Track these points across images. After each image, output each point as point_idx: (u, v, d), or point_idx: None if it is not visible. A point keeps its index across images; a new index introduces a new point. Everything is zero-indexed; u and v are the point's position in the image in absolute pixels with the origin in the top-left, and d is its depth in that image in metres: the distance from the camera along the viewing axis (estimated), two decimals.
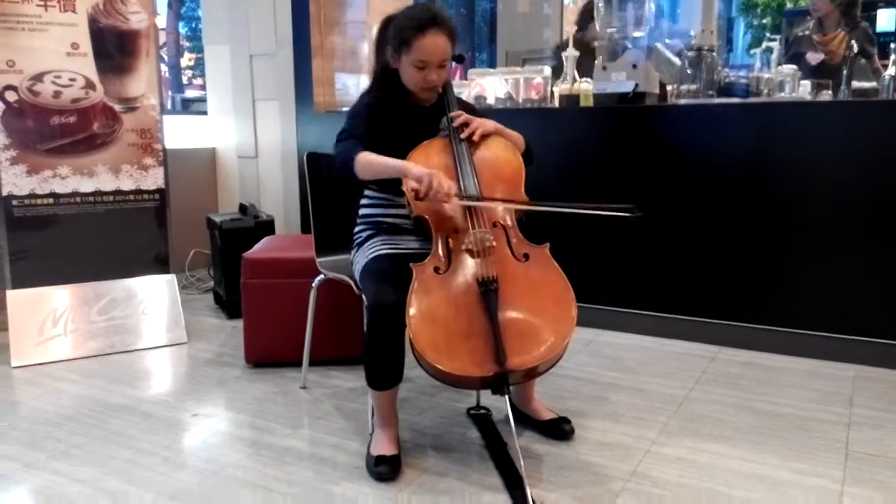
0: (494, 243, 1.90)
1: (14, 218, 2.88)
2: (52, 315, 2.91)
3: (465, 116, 2.05)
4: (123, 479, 1.91)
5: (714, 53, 3.16)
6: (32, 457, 2.05)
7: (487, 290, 1.80)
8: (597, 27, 3.79)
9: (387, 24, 2.07)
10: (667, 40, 3.76)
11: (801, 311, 2.82)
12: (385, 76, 2.08)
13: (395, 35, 1.99)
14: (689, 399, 2.43)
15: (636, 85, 3.03)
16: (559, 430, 2.12)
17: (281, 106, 4.08)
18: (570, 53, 3.35)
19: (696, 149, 2.96)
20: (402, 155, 1.98)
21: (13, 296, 2.87)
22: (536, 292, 1.87)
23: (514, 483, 1.83)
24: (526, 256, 1.92)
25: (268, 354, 2.75)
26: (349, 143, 1.99)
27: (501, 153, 2.06)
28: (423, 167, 1.86)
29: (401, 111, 2.09)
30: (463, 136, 2.02)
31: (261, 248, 2.89)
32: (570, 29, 6.82)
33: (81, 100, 2.97)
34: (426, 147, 2.03)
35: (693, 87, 3.14)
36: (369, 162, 1.92)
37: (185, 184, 4.08)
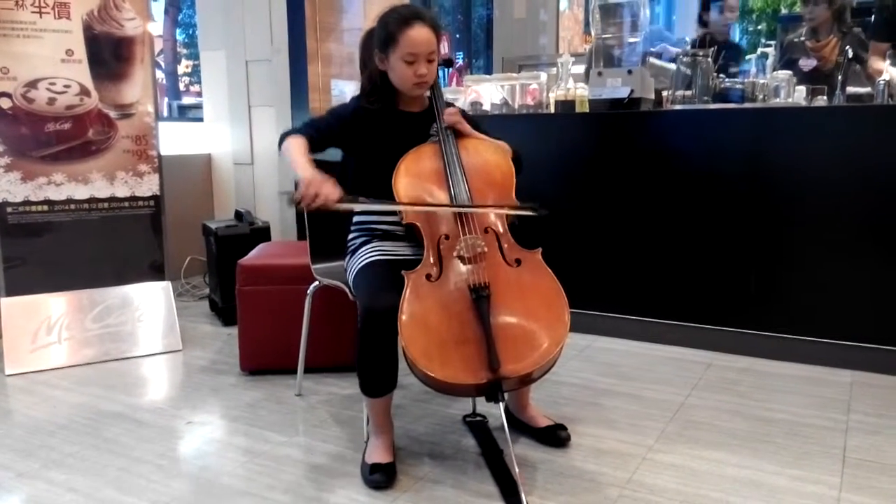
0: (486, 249, 1.90)
1: (8, 225, 2.87)
2: (46, 322, 2.90)
3: (452, 117, 2.07)
4: (117, 487, 1.90)
5: (709, 58, 3.16)
6: (26, 465, 2.03)
7: (479, 297, 1.79)
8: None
9: (370, 35, 2.09)
10: (659, 45, 3.77)
11: (798, 316, 2.81)
12: (374, 84, 2.08)
13: (380, 33, 2.00)
14: (685, 405, 2.43)
15: (631, 91, 3.03)
16: (555, 437, 2.11)
17: (277, 112, 4.08)
18: (566, 58, 3.36)
19: (691, 154, 2.96)
20: (394, 161, 1.99)
21: (7, 303, 2.85)
22: (529, 298, 1.86)
23: (509, 491, 1.82)
24: (518, 262, 1.92)
25: (263, 362, 2.74)
26: (302, 126, 2.04)
27: (492, 158, 2.06)
28: (312, 175, 1.84)
29: (391, 118, 2.09)
30: (445, 124, 2.04)
31: (256, 255, 2.88)
32: (565, 35, 6.84)
33: (76, 106, 2.96)
34: (417, 153, 2.03)
35: (688, 92, 3.14)
36: (289, 147, 1.96)
37: (181, 190, 4.07)
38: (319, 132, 2.03)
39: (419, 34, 1.95)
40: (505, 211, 1.97)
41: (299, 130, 2.02)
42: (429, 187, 1.99)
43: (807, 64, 3.55)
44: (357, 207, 1.97)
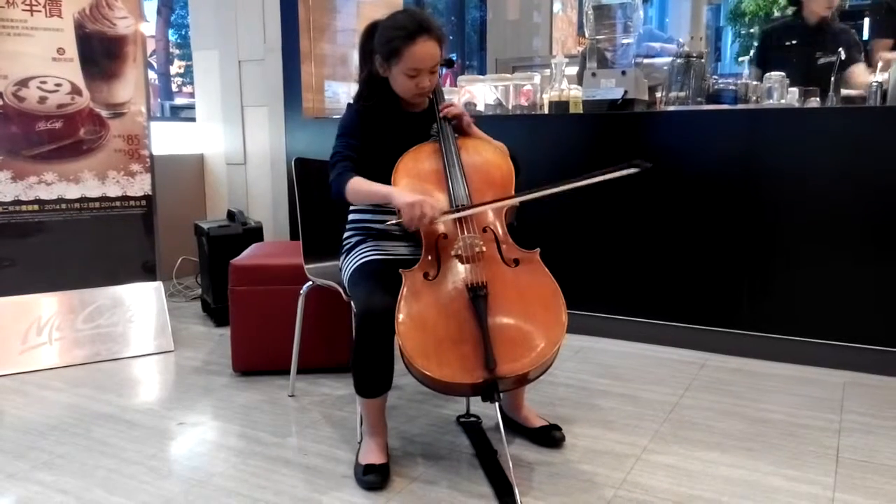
0: (484, 248, 1.89)
1: None
2: (36, 323, 2.88)
3: (456, 108, 2.07)
4: (108, 489, 1.89)
5: (703, 60, 3.17)
6: (15, 467, 2.01)
7: (477, 296, 1.79)
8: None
9: (371, 30, 2.05)
10: (644, 46, 3.77)
11: (792, 317, 2.82)
12: (373, 83, 2.07)
13: (384, 45, 1.96)
14: (679, 406, 2.43)
15: (625, 92, 3.03)
16: (550, 437, 2.11)
17: (270, 112, 4.06)
18: (560, 60, 3.36)
19: (685, 155, 2.96)
20: (394, 160, 1.98)
21: None
22: (526, 298, 1.85)
23: (504, 491, 1.81)
24: (516, 262, 1.91)
25: (255, 362, 2.73)
26: (341, 168, 2.00)
27: (491, 157, 2.06)
28: (410, 192, 1.86)
29: (391, 117, 2.08)
30: (441, 114, 2.05)
31: (248, 255, 2.87)
32: (559, 37, 6.85)
33: (67, 105, 2.94)
34: (416, 152, 2.02)
35: (682, 94, 3.15)
36: (358, 190, 1.95)
37: (173, 190, 4.05)
38: (355, 161, 2.01)
39: (424, 50, 1.93)
40: (604, 177, 1.88)
41: (345, 171, 1.97)
42: (427, 187, 1.98)
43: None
44: (459, 215, 1.91)
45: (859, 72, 3.33)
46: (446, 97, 2.18)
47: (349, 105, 2.16)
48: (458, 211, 1.90)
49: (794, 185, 2.77)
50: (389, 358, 1.87)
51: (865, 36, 4.88)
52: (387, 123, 2.06)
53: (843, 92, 3.09)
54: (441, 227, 1.92)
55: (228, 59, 4.16)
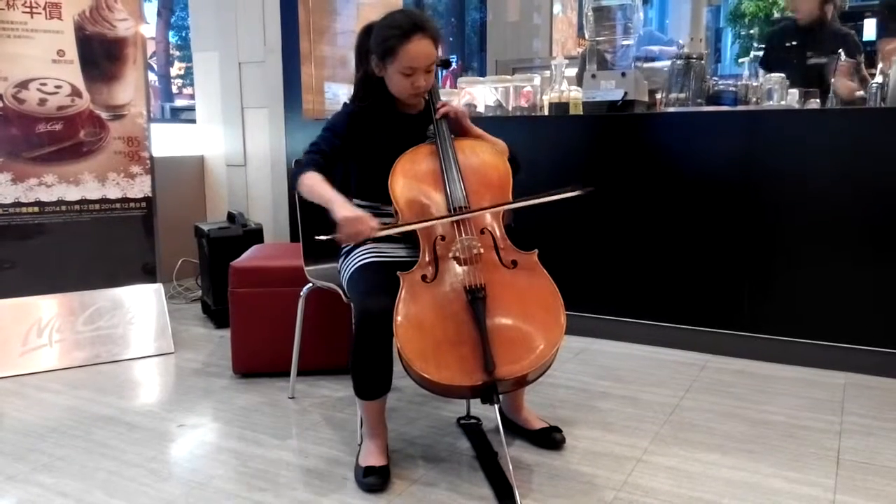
0: (482, 250, 1.89)
1: None
2: (36, 325, 2.88)
3: (450, 107, 2.07)
4: (108, 491, 1.88)
5: (703, 61, 3.17)
6: (15, 469, 2.01)
7: (475, 298, 1.78)
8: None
9: (368, 31, 2.05)
10: (643, 49, 3.77)
11: (792, 318, 2.82)
12: (369, 84, 2.07)
13: (379, 44, 1.96)
14: (680, 407, 2.42)
15: (625, 93, 3.03)
16: (550, 439, 2.11)
17: (270, 113, 4.06)
18: (560, 61, 3.36)
19: (685, 157, 2.96)
20: (389, 161, 1.98)
21: None
22: (525, 300, 1.85)
23: (504, 493, 1.81)
24: (514, 263, 1.91)
25: (255, 364, 2.73)
26: (308, 159, 2.00)
27: (489, 158, 2.06)
28: (350, 208, 1.85)
29: (387, 119, 2.08)
30: (439, 115, 2.04)
31: (249, 257, 2.86)
32: (559, 38, 6.85)
33: (67, 107, 2.94)
34: (413, 153, 2.02)
35: (682, 95, 3.15)
36: (310, 186, 1.93)
37: (173, 192, 4.05)
38: (327, 158, 2.01)
39: (419, 49, 1.93)
40: (548, 199, 1.89)
41: (310, 164, 1.98)
42: (425, 188, 1.98)
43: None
44: (397, 230, 1.92)
45: (843, 83, 3.29)
46: (444, 99, 2.18)
47: (345, 104, 2.16)
48: (392, 227, 1.89)
49: (794, 187, 2.77)
50: (389, 360, 1.86)
51: (870, 37, 4.89)
52: (382, 125, 2.06)
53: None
54: (439, 229, 1.92)
55: (228, 61, 4.16)
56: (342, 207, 1.84)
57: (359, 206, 2.12)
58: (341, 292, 2.13)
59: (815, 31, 3.63)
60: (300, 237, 2.39)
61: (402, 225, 1.91)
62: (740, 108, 3.08)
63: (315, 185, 1.92)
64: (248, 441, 2.19)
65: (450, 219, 1.91)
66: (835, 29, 3.64)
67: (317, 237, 1.88)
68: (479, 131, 2.13)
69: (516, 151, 2.12)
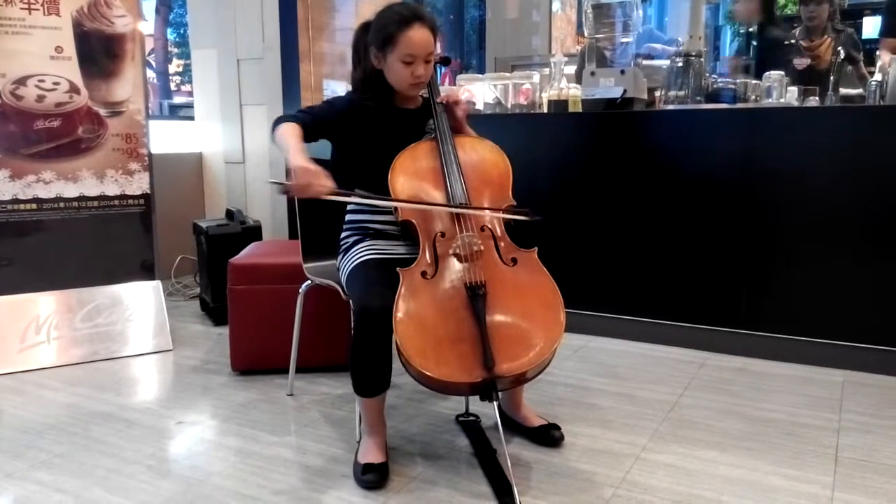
0: (482, 247, 1.89)
1: None
2: (35, 322, 2.87)
3: (455, 95, 2.08)
4: (106, 488, 1.88)
5: (702, 59, 3.17)
6: (13, 466, 2.01)
7: (475, 295, 1.78)
8: None
9: (364, 29, 2.07)
10: (645, 46, 3.77)
11: (791, 316, 2.82)
12: (369, 80, 2.06)
13: (379, 33, 1.97)
14: (679, 405, 2.42)
15: (624, 91, 3.03)
16: (549, 436, 2.11)
17: (268, 110, 4.05)
18: (559, 58, 3.36)
19: (684, 154, 2.96)
20: (388, 157, 1.98)
21: None
22: (525, 297, 1.85)
23: (503, 490, 1.81)
24: (514, 261, 1.91)
25: (254, 361, 2.72)
26: (295, 113, 2.01)
27: (489, 156, 2.06)
28: (308, 161, 1.80)
29: (386, 115, 2.08)
30: (441, 99, 2.05)
31: (247, 254, 2.86)
32: (558, 36, 6.84)
33: (66, 104, 2.93)
34: (413, 150, 2.02)
35: (681, 93, 3.14)
36: (283, 134, 1.90)
37: (172, 189, 4.05)
38: (315, 119, 2.01)
39: (418, 35, 1.94)
40: (498, 215, 1.96)
41: (294, 116, 1.98)
42: (425, 185, 1.97)
43: (800, 63, 3.57)
44: (348, 199, 1.93)
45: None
46: (443, 94, 2.18)
47: (348, 92, 2.17)
48: (346, 196, 1.89)
49: (793, 184, 2.76)
50: (387, 357, 1.86)
51: (870, 34, 4.89)
52: (380, 120, 2.06)
53: (842, 91, 3.09)
54: (439, 226, 1.92)
55: (227, 58, 4.15)
56: (298, 156, 1.81)
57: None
58: (340, 289, 2.13)
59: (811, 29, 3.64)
60: (299, 234, 2.39)
61: (358, 195, 1.92)
62: (739, 105, 3.07)
63: (287, 134, 1.90)
64: (246, 438, 2.19)
65: (401, 204, 1.93)
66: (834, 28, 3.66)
67: (269, 181, 1.87)
68: (474, 135, 2.13)
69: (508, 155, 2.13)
